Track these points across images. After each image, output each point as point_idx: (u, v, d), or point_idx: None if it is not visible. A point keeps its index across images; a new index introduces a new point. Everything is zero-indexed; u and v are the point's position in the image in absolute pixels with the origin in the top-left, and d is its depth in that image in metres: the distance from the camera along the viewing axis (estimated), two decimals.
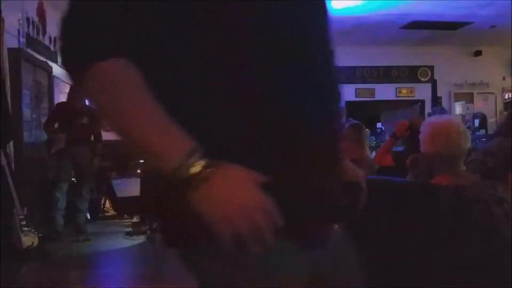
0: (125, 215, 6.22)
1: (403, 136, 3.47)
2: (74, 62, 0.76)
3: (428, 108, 9.39)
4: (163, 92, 0.74)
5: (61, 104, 5.62)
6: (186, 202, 0.71)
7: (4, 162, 4.13)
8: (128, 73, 0.73)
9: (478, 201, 1.58)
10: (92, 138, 5.52)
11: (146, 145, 0.73)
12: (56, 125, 5.22)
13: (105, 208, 6.58)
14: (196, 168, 0.69)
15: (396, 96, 9.74)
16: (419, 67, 9.19)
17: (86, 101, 7.56)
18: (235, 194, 0.70)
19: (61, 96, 5.92)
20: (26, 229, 4.16)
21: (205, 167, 0.70)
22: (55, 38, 6.40)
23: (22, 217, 4.17)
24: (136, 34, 0.75)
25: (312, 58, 0.82)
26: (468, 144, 1.76)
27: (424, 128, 1.79)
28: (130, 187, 6.17)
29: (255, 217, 0.69)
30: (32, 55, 5.48)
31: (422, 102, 9.59)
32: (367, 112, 8.64)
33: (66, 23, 0.78)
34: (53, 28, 6.35)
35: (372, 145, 6.39)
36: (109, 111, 0.75)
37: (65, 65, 0.79)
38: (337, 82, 0.91)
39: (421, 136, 1.78)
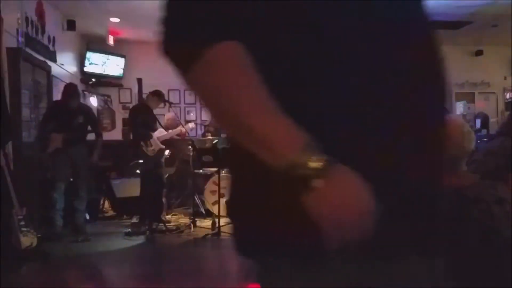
0: (125, 216, 6.21)
1: None
2: (182, 49, 0.72)
3: None
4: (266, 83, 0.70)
5: (57, 102, 5.60)
6: (295, 201, 0.66)
7: (3, 162, 4.11)
8: (242, 57, 0.69)
9: (478, 201, 1.57)
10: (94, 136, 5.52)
11: (258, 135, 0.67)
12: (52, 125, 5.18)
13: (104, 209, 6.57)
14: (316, 163, 0.65)
15: None
16: None
17: (95, 100, 7.67)
18: (352, 197, 0.66)
19: (60, 95, 5.91)
20: (25, 229, 4.16)
21: (324, 163, 0.65)
22: (54, 38, 6.39)
23: (21, 217, 4.16)
24: (245, 19, 0.71)
25: (415, 53, 0.78)
26: (472, 146, 1.73)
27: None
28: (129, 188, 6.18)
29: (367, 225, 0.66)
30: (31, 55, 5.47)
31: None
32: None
33: (170, 9, 0.74)
34: (52, 28, 6.35)
35: None
36: (220, 97, 0.70)
37: (170, 52, 0.74)
38: (444, 84, 0.86)
39: None
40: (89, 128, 5.44)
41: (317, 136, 0.67)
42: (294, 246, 0.72)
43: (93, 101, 7.84)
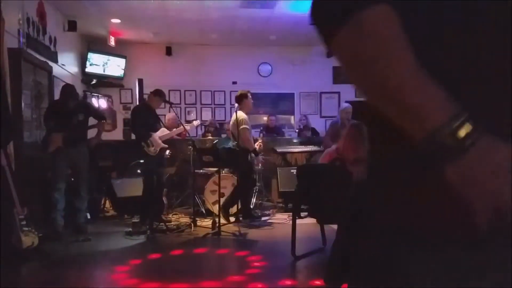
0: (125, 215, 6.23)
1: None
2: (331, 10, 0.70)
3: None
4: None
5: (56, 102, 5.60)
6: (437, 171, 0.63)
7: (4, 162, 4.13)
8: (393, 22, 0.67)
9: None
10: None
11: (407, 101, 0.65)
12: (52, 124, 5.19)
13: (105, 208, 6.58)
14: (464, 130, 0.62)
15: None
16: None
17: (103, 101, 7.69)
18: (505, 167, 0.61)
19: None
20: (26, 229, 4.18)
21: (473, 131, 0.62)
22: (55, 38, 6.41)
23: (22, 217, 4.18)
24: None
25: None
26: None
27: None
28: (130, 187, 6.19)
29: None
30: (32, 55, 5.49)
31: None
32: None
33: None
34: (53, 28, 6.37)
35: None
36: (369, 60, 0.67)
37: (318, 17, 0.72)
38: None
39: None
40: (90, 124, 5.48)
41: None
42: (443, 226, 0.69)
43: (95, 103, 7.87)
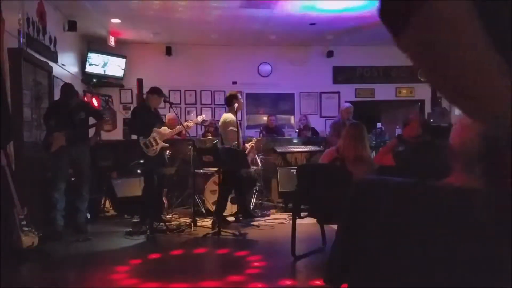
0: (125, 215, 6.23)
1: (412, 142, 3.37)
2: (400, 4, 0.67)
3: (428, 108, 9.40)
4: None
5: (56, 102, 5.60)
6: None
7: (4, 162, 4.13)
8: (466, 8, 0.64)
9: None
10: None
11: (469, 90, 0.63)
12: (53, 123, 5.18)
13: (105, 208, 6.59)
14: None
15: (396, 96, 9.75)
16: None
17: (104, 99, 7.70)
18: None
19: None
20: (26, 229, 4.18)
21: None
22: (55, 38, 6.41)
23: (22, 217, 4.18)
24: None
25: None
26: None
27: (456, 122, 1.75)
28: (130, 187, 6.19)
29: None
30: (32, 55, 5.49)
31: (422, 102, 9.61)
32: (367, 112, 8.64)
33: None
34: (53, 28, 6.37)
35: (372, 145, 6.38)
36: (446, 44, 0.64)
37: (384, 8, 0.69)
38: None
39: (452, 129, 1.76)
40: (91, 122, 5.48)
41: None
42: None
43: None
